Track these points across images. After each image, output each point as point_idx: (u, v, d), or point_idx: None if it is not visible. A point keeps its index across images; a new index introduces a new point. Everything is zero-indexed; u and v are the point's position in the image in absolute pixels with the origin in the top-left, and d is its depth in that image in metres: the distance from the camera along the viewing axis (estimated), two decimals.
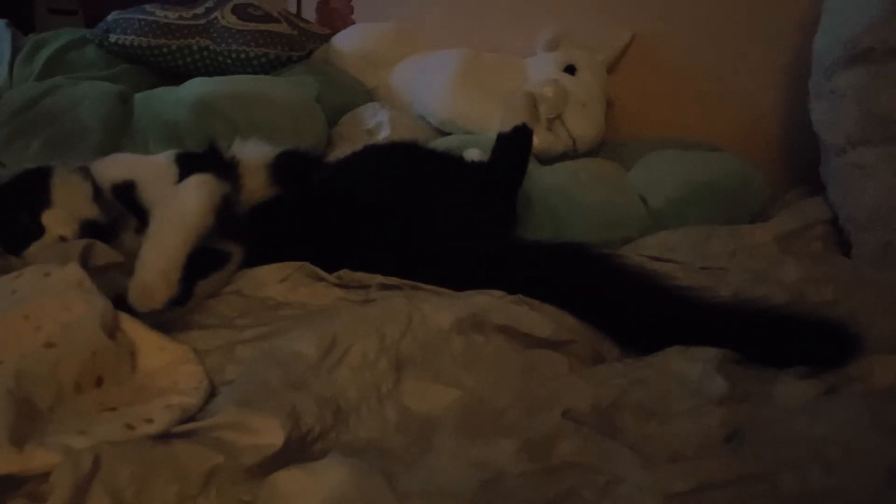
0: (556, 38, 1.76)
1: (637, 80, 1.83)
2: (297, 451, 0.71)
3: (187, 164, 1.11)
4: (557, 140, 1.61)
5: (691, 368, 0.84)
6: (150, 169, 1.12)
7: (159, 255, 0.92)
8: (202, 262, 0.99)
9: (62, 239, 1.01)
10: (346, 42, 1.89)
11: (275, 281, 1.06)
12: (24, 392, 0.72)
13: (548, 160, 1.56)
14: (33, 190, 1.06)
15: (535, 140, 1.58)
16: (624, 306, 0.97)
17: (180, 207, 0.99)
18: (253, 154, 1.18)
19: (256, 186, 1.14)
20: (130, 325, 0.83)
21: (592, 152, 1.64)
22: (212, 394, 0.79)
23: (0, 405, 0.69)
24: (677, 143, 1.59)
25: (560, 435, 0.72)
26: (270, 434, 0.70)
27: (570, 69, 1.69)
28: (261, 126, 1.46)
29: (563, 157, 1.59)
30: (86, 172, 1.10)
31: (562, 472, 0.67)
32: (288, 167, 1.18)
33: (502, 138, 1.29)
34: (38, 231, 1.02)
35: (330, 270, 1.08)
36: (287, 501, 0.65)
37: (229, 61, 1.76)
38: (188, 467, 0.66)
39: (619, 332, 0.95)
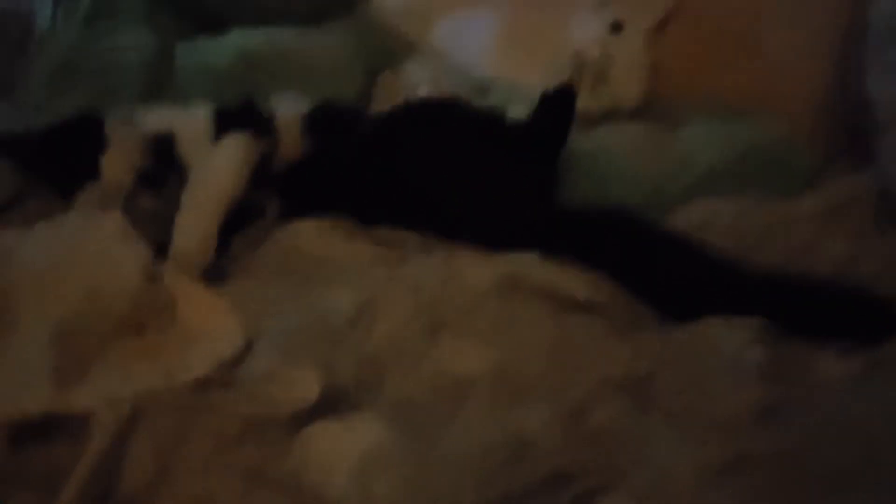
0: None
1: (684, 43, 1.77)
2: (332, 405, 0.72)
3: (223, 121, 1.11)
4: (601, 101, 1.58)
5: (730, 339, 0.82)
6: (187, 123, 1.12)
7: (196, 223, 0.95)
8: (238, 216, 1.00)
9: (115, 184, 1.02)
10: None
11: (312, 236, 1.06)
12: (67, 336, 0.74)
13: (590, 123, 1.53)
14: (89, 133, 1.07)
15: (577, 101, 1.56)
16: (664, 272, 0.96)
17: (215, 171, 1.01)
18: (289, 108, 1.18)
19: (292, 141, 1.14)
20: (171, 274, 0.85)
21: (636, 115, 1.60)
22: (248, 346, 0.80)
23: (44, 348, 0.71)
24: (723, 109, 1.54)
25: (595, 402, 0.72)
26: (306, 387, 0.71)
27: (617, 28, 1.65)
28: (301, 79, 1.45)
29: (606, 119, 1.56)
30: (132, 121, 1.10)
31: (595, 438, 0.67)
32: (324, 121, 1.17)
33: (545, 98, 1.26)
34: (96, 174, 1.03)
35: (365, 228, 1.08)
36: (323, 455, 0.66)
37: (269, 12, 1.75)
38: (226, 415, 0.67)
39: (658, 299, 0.93)
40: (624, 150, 1.33)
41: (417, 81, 1.63)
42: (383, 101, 1.58)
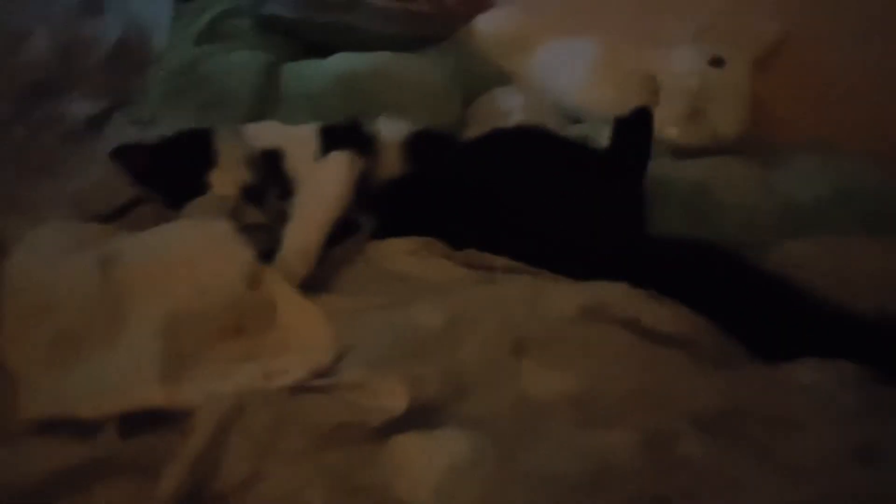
0: (705, 29, 1.70)
1: (787, 79, 1.74)
2: (418, 418, 0.73)
3: (329, 138, 1.16)
4: (698, 134, 1.56)
5: (824, 381, 0.80)
6: (295, 139, 1.17)
7: (303, 237, 0.99)
8: (336, 231, 1.04)
9: (222, 197, 1.07)
10: (487, 25, 1.89)
11: (403, 253, 1.09)
12: (174, 334, 0.78)
13: (686, 155, 1.52)
14: (198, 149, 1.14)
15: (674, 132, 1.55)
16: (756, 310, 0.94)
17: (323, 188, 1.05)
18: (390, 131, 1.21)
19: (391, 162, 1.18)
20: (273, 282, 0.88)
21: (734, 150, 1.58)
22: (340, 356, 0.83)
23: (152, 344, 0.76)
24: (826, 147, 1.51)
25: (680, 434, 0.71)
26: (395, 398, 0.72)
27: (717, 62, 1.63)
28: (398, 103, 1.49)
29: (704, 152, 1.54)
30: (240, 136, 1.16)
31: (679, 470, 0.66)
32: (422, 146, 1.20)
33: (620, 122, 1.24)
34: (203, 188, 1.09)
35: (455, 249, 1.10)
36: (408, 465, 0.67)
37: (371, 38, 1.81)
38: (318, 420, 0.69)
39: (749, 337, 0.92)
40: (721, 182, 1.31)
41: (510, 109, 1.65)
42: (477, 127, 1.61)
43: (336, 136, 1.15)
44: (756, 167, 1.41)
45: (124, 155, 1.17)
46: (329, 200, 1.04)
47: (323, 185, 1.05)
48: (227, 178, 1.11)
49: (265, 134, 1.18)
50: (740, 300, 0.94)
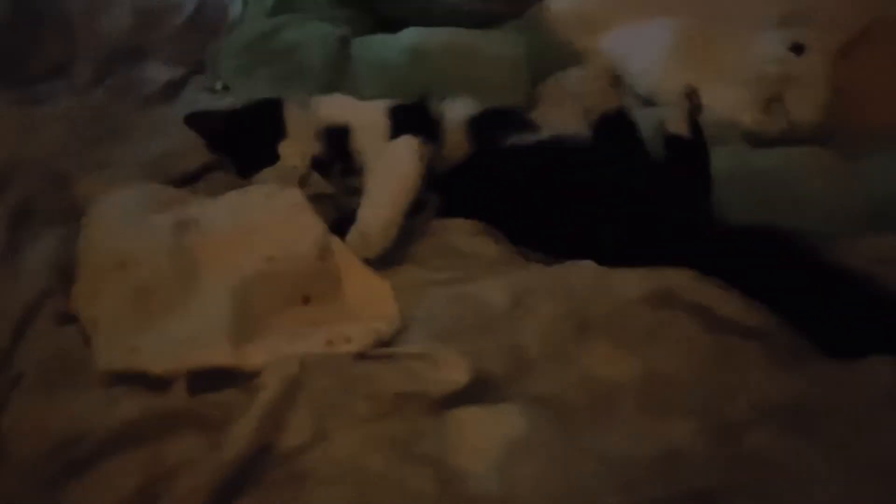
0: (788, 14, 1.64)
1: (873, 68, 1.67)
2: (479, 392, 0.74)
3: (398, 118, 1.15)
4: (774, 122, 1.51)
5: None
6: (364, 117, 1.17)
7: (384, 210, 0.98)
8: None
9: (291, 168, 1.09)
10: (561, 3, 1.86)
11: (468, 233, 1.08)
12: (244, 298, 0.80)
13: (761, 143, 1.47)
14: (270, 120, 1.15)
15: (749, 119, 1.51)
16: (828, 305, 0.90)
17: (399, 168, 1.04)
18: (456, 112, 1.21)
19: (457, 144, 1.17)
20: (340, 253, 0.89)
21: (813, 140, 1.52)
22: (403, 327, 0.83)
23: (224, 307, 0.77)
24: None
25: (750, 424, 0.69)
26: (457, 371, 0.72)
27: (798, 49, 1.57)
28: (468, 79, 1.48)
29: (778, 141, 1.49)
30: (309, 109, 1.17)
31: (748, 461, 0.65)
32: (486, 126, 1.19)
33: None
34: (274, 159, 1.11)
35: (513, 234, 1.09)
36: (468, 437, 0.67)
37: (444, 13, 1.80)
38: (380, 388, 0.70)
39: (819, 333, 0.88)
40: (797, 172, 1.27)
41: (582, 90, 1.62)
42: (546, 106, 1.59)
43: (405, 117, 1.15)
44: (836, 158, 1.36)
45: (198, 121, 1.19)
46: (405, 181, 1.03)
47: (398, 164, 1.05)
48: (295, 150, 1.12)
49: (334, 108, 1.19)
50: (811, 292, 0.91)
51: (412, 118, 1.16)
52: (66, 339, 0.81)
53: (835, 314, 0.89)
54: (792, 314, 0.89)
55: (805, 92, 1.55)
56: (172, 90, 1.51)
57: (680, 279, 0.91)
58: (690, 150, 1.21)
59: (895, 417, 0.70)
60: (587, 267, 0.93)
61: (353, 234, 0.96)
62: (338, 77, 1.55)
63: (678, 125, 1.22)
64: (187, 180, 1.16)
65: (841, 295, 0.90)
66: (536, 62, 1.67)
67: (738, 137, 1.46)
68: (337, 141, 1.13)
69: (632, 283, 0.89)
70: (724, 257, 0.96)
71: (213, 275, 0.82)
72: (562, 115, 1.47)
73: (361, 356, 0.75)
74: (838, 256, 0.96)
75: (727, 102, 1.51)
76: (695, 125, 1.22)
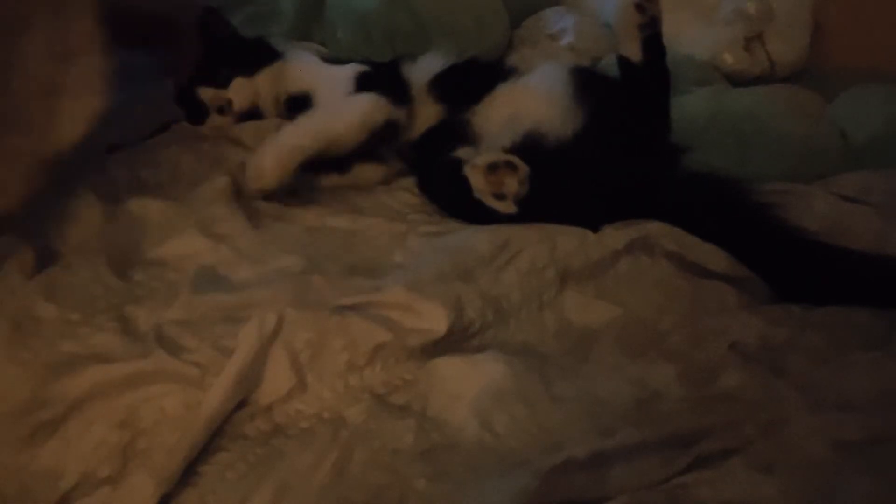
0: None
1: (852, 3, 1.66)
2: (457, 341, 0.74)
3: (364, 83, 1.10)
4: (754, 61, 1.50)
5: (877, 322, 0.78)
6: (329, 80, 1.14)
7: (282, 143, 0.95)
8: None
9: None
10: None
11: None
12: None
13: (742, 82, 1.46)
14: (255, 56, 1.17)
15: (730, 58, 1.49)
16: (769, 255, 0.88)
17: (331, 113, 1.02)
18: (420, 71, 1.15)
19: (424, 105, 1.13)
20: None
21: (792, 79, 1.51)
22: (382, 275, 0.82)
23: None
24: (889, 76, 1.44)
25: (724, 366, 0.70)
26: (436, 320, 0.72)
27: None
28: (444, 23, 1.45)
29: (759, 80, 1.49)
30: (280, 74, 1.16)
31: (723, 403, 0.66)
32: (450, 82, 1.14)
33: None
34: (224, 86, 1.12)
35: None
36: (447, 385, 0.68)
37: None
38: (358, 340, 0.70)
39: (769, 280, 0.87)
40: (774, 113, 1.26)
41: (560, 30, 1.59)
42: (524, 49, 1.57)
43: (371, 81, 1.10)
44: (812, 97, 1.36)
45: (217, 18, 1.20)
46: (328, 124, 0.99)
47: (332, 110, 1.03)
48: (245, 93, 1.13)
49: (298, 73, 1.16)
50: (749, 242, 0.88)
51: (381, 79, 1.12)
52: None
53: (775, 263, 0.88)
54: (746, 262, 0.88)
55: (785, 31, 1.54)
56: None
57: (659, 227, 0.90)
58: (643, 76, 1.03)
59: (867, 359, 0.71)
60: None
61: (248, 166, 0.94)
62: (310, 22, 1.52)
63: (627, 45, 1.03)
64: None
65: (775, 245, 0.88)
66: (514, 4, 1.64)
67: (720, 78, 1.45)
68: (299, 108, 1.09)
69: (613, 234, 0.89)
70: (676, 208, 0.92)
71: None
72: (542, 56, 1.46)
73: (341, 306, 0.74)
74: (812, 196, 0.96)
75: (707, 43, 1.49)
76: (655, 44, 1.03)
